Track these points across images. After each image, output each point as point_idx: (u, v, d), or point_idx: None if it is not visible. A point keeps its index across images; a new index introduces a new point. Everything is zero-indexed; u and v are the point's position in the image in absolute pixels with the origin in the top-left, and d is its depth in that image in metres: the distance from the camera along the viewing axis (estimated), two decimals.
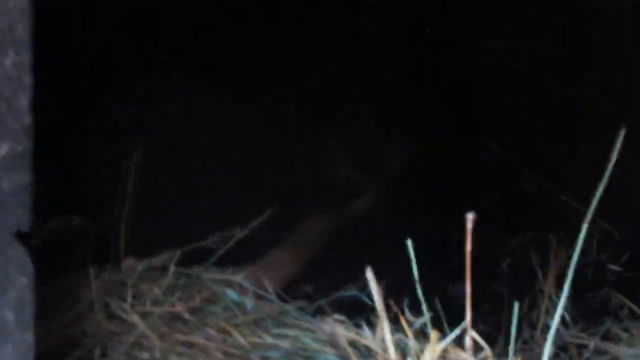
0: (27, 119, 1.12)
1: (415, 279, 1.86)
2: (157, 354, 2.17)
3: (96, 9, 2.83)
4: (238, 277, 2.52)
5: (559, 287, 2.57)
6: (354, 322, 2.22)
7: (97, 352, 2.12)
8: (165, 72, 2.94)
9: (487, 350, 1.85)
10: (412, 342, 1.95)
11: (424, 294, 1.90)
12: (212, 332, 2.29)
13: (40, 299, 1.18)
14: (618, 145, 1.68)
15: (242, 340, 2.26)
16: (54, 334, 2.18)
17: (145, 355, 2.17)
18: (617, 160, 1.67)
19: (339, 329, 2.14)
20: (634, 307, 2.56)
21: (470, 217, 1.74)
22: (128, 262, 2.48)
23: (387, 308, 2.02)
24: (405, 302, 2.06)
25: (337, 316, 2.26)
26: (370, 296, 2.03)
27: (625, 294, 2.63)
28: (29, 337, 1.16)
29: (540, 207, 3.25)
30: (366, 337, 2.09)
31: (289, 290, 2.58)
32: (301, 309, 2.47)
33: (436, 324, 1.97)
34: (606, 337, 2.46)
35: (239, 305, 2.42)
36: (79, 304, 2.31)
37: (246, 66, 3.18)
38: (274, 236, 2.86)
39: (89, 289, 2.33)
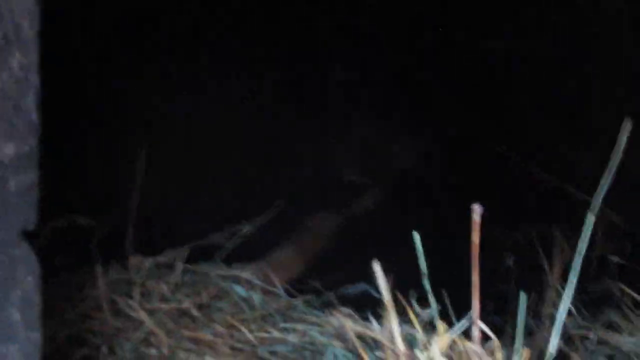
0: (35, 119, 1.12)
1: (423, 271, 1.87)
2: (165, 350, 2.18)
3: (96, 9, 2.84)
4: (245, 273, 2.52)
5: (565, 280, 2.60)
6: (361, 316, 2.23)
7: (104, 349, 2.13)
8: (166, 71, 2.94)
9: (495, 341, 1.86)
10: (419, 335, 1.95)
11: (431, 287, 1.90)
12: (220, 328, 2.29)
13: (46, 299, 1.18)
14: (623, 139, 1.68)
15: (249, 336, 2.27)
16: (60, 333, 2.19)
17: (153, 351, 2.17)
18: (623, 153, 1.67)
19: (347, 323, 2.15)
20: (636, 295, 2.57)
21: (476, 209, 1.75)
22: (135, 260, 2.48)
23: (395, 301, 2.03)
24: (413, 295, 2.07)
25: (344, 310, 2.27)
26: (377, 290, 2.04)
27: (629, 285, 2.64)
28: (36, 336, 1.16)
29: (545, 201, 3.25)
30: (374, 330, 2.10)
31: (296, 286, 2.58)
32: (309, 303, 2.48)
33: (444, 316, 1.97)
34: (609, 327, 2.47)
35: (247, 300, 2.43)
36: (86, 302, 2.31)
37: (248, 66, 3.18)
38: (280, 233, 2.87)
39: (95, 287, 2.34)
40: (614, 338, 2.41)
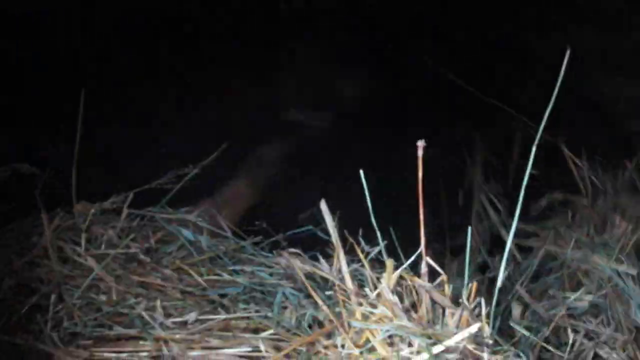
0: None
1: (370, 209, 1.87)
2: (114, 296, 2.16)
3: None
4: (192, 216, 2.51)
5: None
6: (310, 256, 2.23)
7: (53, 297, 2.11)
8: None
9: (443, 276, 1.88)
10: (368, 272, 1.97)
11: (378, 224, 1.91)
12: (169, 272, 2.29)
13: None
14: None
15: (199, 279, 2.27)
16: (8, 282, 2.17)
17: (103, 297, 2.16)
18: None
19: (296, 263, 2.16)
20: None
21: (420, 145, 1.75)
22: (80, 207, 2.45)
23: (343, 240, 2.04)
24: (360, 233, 2.08)
25: (293, 250, 2.28)
26: (325, 230, 2.05)
27: None
28: None
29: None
30: (323, 269, 2.11)
31: (244, 228, 2.57)
32: (257, 244, 2.47)
33: (392, 253, 1.98)
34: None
35: (194, 244, 2.42)
36: (32, 251, 2.29)
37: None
38: (227, 173, 2.85)
39: (41, 235, 2.31)
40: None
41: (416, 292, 1.90)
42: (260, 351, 1.93)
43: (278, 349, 1.94)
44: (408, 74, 3.35)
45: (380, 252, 1.97)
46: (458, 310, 1.81)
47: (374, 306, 1.85)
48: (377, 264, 2.01)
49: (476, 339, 1.77)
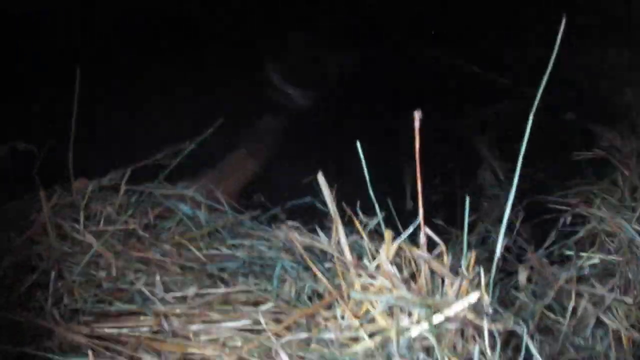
0: None
1: (367, 180, 1.87)
2: (114, 272, 2.17)
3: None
4: (190, 191, 2.51)
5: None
6: (308, 228, 2.23)
7: (53, 274, 2.11)
8: None
9: (442, 246, 1.88)
10: (367, 243, 1.96)
11: (376, 196, 1.91)
12: (168, 247, 2.29)
13: None
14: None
15: (198, 254, 2.27)
16: (7, 260, 2.17)
17: (102, 274, 2.17)
18: None
19: (294, 236, 2.15)
20: None
21: (416, 115, 1.75)
22: (78, 184, 2.45)
23: (341, 212, 2.04)
24: (358, 205, 2.08)
25: (291, 223, 2.28)
26: (323, 202, 2.05)
27: None
28: None
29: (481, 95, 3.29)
30: (321, 241, 2.11)
31: (242, 201, 2.58)
32: (255, 218, 2.48)
33: (390, 224, 1.98)
34: None
35: (193, 219, 2.42)
36: (31, 229, 2.29)
37: None
38: (223, 149, 2.85)
39: (40, 213, 2.31)
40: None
41: (415, 263, 1.90)
42: (260, 324, 1.93)
43: (278, 321, 1.95)
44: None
45: (379, 224, 1.97)
46: (457, 280, 1.80)
47: (373, 277, 1.85)
48: (377, 237, 2.01)
49: (476, 308, 1.77)
